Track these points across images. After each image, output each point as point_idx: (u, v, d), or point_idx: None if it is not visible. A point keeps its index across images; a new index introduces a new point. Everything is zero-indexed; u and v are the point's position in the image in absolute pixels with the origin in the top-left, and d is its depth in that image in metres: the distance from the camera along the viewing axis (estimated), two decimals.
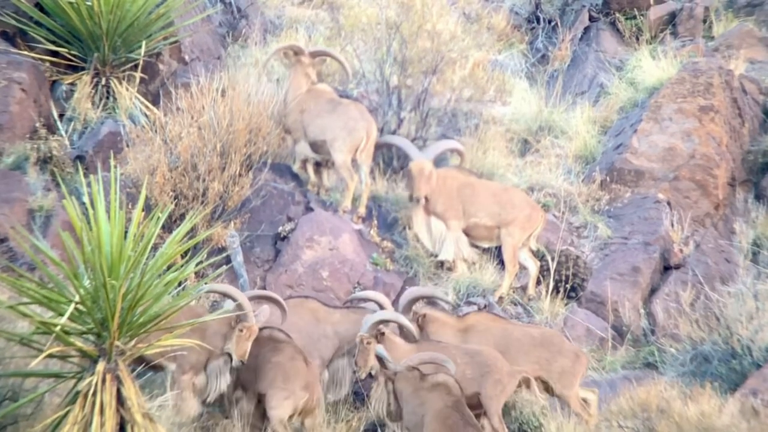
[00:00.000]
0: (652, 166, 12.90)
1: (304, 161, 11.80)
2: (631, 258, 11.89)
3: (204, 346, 8.92)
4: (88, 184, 8.38)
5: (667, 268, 12.02)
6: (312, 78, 11.82)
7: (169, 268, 8.45)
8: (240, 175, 11.17)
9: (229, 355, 9.16)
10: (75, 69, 12.53)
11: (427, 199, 11.35)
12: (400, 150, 11.88)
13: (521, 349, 9.87)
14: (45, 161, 11.59)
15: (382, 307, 9.76)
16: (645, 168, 12.89)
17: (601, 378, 10.56)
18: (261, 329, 9.27)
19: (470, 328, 10.00)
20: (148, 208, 10.16)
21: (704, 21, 15.77)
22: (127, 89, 12.39)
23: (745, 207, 13.11)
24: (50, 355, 7.95)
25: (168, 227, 10.45)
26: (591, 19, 16.13)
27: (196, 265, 8.93)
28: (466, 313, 10.46)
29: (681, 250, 12.08)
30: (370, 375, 9.32)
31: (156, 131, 11.36)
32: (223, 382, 9.29)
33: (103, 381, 7.96)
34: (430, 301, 10.38)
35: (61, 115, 12.25)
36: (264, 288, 11.02)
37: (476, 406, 9.31)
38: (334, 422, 9.59)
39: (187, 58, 13.26)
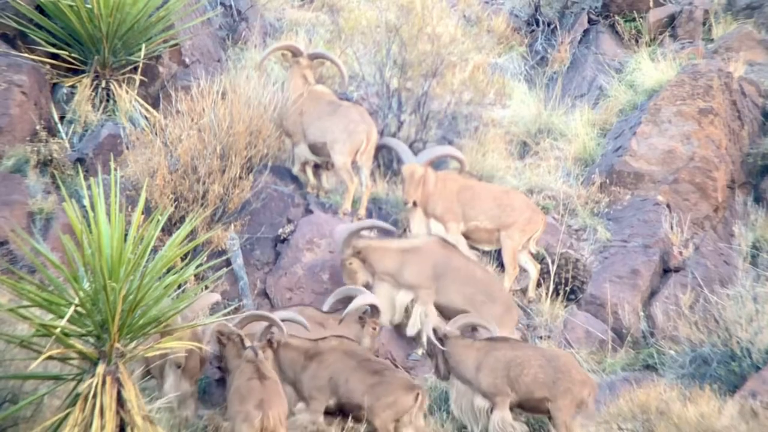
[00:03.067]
0: (651, 168, 12.90)
1: (304, 164, 11.80)
2: (631, 261, 11.90)
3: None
4: (89, 187, 8.40)
5: (666, 271, 12.03)
6: (310, 80, 11.83)
7: (169, 270, 8.47)
8: (240, 177, 11.19)
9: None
10: (75, 72, 12.53)
11: (416, 203, 11.34)
12: (396, 153, 11.87)
13: (456, 279, 10.46)
14: (45, 164, 11.60)
15: (376, 310, 9.95)
16: (644, 170, 12.90)
17: (601, 380, 10.57)
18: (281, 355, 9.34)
19: (414, 250, 10.53)
20: (148, 211, 10.16)
21: (703, 23, 15.78)
22: (127, 92, 12.39)
23: (744, 210, 13.12)
24: (50, 358, 7.97)
25: (168, 230, 10.46)
26: (590, 21, 16.15)
27: (196, 267, 8.94)
28: (416, 236, 10.92)
29: (680, 253, 12.09)
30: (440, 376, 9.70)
31: (156, 134, 11.38)
32: (167, 384, 9.28)
33: (103, 383, 7.97)
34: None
35: (61, 118, 12.26)
36: (264, 291, 11.04)
37: (539, 410, 9.45)
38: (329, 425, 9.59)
39: (187, 60, 13.27)
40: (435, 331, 9.61)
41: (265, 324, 9.39)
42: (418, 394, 9.21)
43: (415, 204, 11.31)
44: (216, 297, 9.60)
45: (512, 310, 10.62)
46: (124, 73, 12.59)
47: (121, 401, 8.02)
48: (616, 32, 15.97)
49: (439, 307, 10.53)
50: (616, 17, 16.00)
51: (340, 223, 11.20)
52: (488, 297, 10.51)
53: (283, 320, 9.41)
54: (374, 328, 9.96)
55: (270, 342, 9.33)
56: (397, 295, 10.57)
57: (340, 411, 9.39)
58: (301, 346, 9.44)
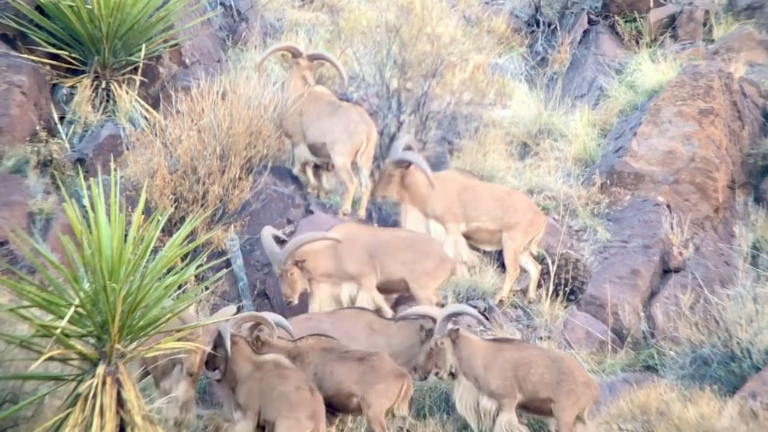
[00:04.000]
0: (651, 169, 12.89)
1: (304, 164, 11.80)
2: (631, 261, 11.89)
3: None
4: (89, 188, 8.39)
5: (666, 271, 12.02)
6: (309, 81, 11.83)
7: (169, 271, 8.47)
8: (240, 178, 11.19)
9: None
10: (75, 72, 12.54)
11: (385, 197, 11.50)
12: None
13: (388, 251, 10.53)
14: (45, 164, 11.61)
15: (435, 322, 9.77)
16: (645, 171, 12.89)
17: (601, 381, 10.56)
18: (264, 354, 9.28)
19: (342, 244, 10.47)
20: (148, 212, 10.16)
21: (704, 24, 15.77)
22: (128, 92, 12.40)
23: (744, 210, 13.11)
24: (50, 358, 7.97)
25: (168, 230, 10.46)
26: (590, 22, 16.14)
27: (196, 268, 8.94)
28: (332, 226, 10.88)
29: (681, 253, 12.08)
30: (452, 374, 9.50)
31: (156, 134, 11.39)
32: (180, 390, 9.23)
33: (104, 383, 7.97)
34: None
35: (61, 118, 12.27)
36: (264, 291, 11.04)
37: (542, 410, 9.46)
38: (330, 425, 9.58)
39: (187, 61, 13.27)
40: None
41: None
42: (404, 383, 9.27)
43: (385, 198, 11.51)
44: (233, 309, 9.59)
45: (446, 262, 10.68)
46: (124, 74, 12.59)
47: (121, 401, 8.03)
48: (617, 33, 15.96)
49: (381, 284, 10.56)
50: (617, 18, 15.99)
51: (337, 224, 11.20)
52: (420, 254, 10.57)
53: (454, 314, 9.52)
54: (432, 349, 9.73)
55: (256, 340, 9.35)
56: (340, 291, 10.56)
57: (328, 407, 9.38)
58: (285, 346, 9.44)
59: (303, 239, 10.43)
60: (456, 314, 9.61)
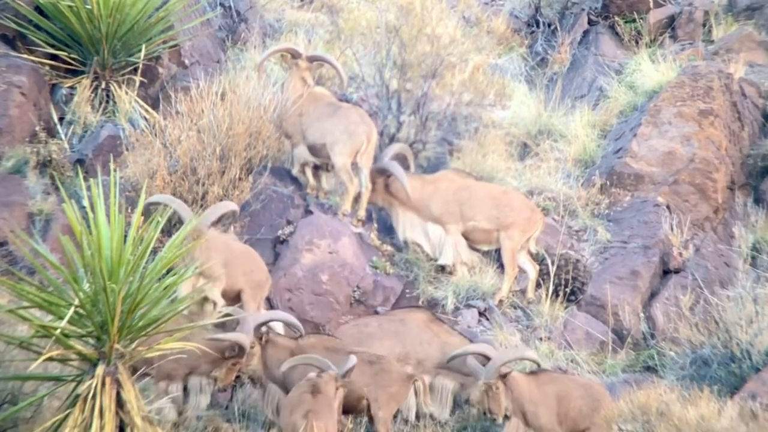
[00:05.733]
0: (651, 170, 12.89)
1: (303, 165, 11.80)
2: (631, 262, 11.89)
3: (184, 358, 8.90)
4: (88, 188, 8.39)
5: (666, 272, 12.02)
6: (309, 82, 11.83)
7: (168, 271, 8.47)
8: (239, 178, 11.18)
9: (215, 380, 9.19)
10: (75, 72, 12.54)
11: (371, 204, 11.54)
12: None
13: (237, 265, 10.19)
14: (45, 165, 11.60)
15: (488, 359, 9.54)
16: (644, 172, 12.88)
17: (601, 381, 10.56)
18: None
19: (208, 246, 10.04)
20: (147, 212, 10.15)
21: (704, 24, 15.76)
22: (127, 93, 12.39)
23: (744, 211, 13.11)
24: (50, 359, 7.98)
25: (167, 231, 10.44)
26: (590, 22, 16.14)
27: (196, 268, 8.93)
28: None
29: (680, 254, 12.07)
30: (506, 416, 9.37)
31: (156, 135, 11.38)
32: (203, 401, 9.24)
33: (103, 384, 7.98)
34: None
35: (60, 119, 12.27)
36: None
37: None
38: None
39: (186, 61, 13.27)
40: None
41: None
42: (415, 382, 9.34)
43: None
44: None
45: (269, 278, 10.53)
46: (123, 74, 12.59)
47: (120, 402, 8.03)
48: (616, 33, 15.96)
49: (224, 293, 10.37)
50: (616, 18, 15.98)
51: (337, 224, 11.22)
52: (253, 267, 10.35)
53: (277, 321, 9.54)
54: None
55: (260, 338, 9.37)
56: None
57: None
58: (287, 345, 9.47)
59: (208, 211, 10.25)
60: (514, 360, 9.55)
